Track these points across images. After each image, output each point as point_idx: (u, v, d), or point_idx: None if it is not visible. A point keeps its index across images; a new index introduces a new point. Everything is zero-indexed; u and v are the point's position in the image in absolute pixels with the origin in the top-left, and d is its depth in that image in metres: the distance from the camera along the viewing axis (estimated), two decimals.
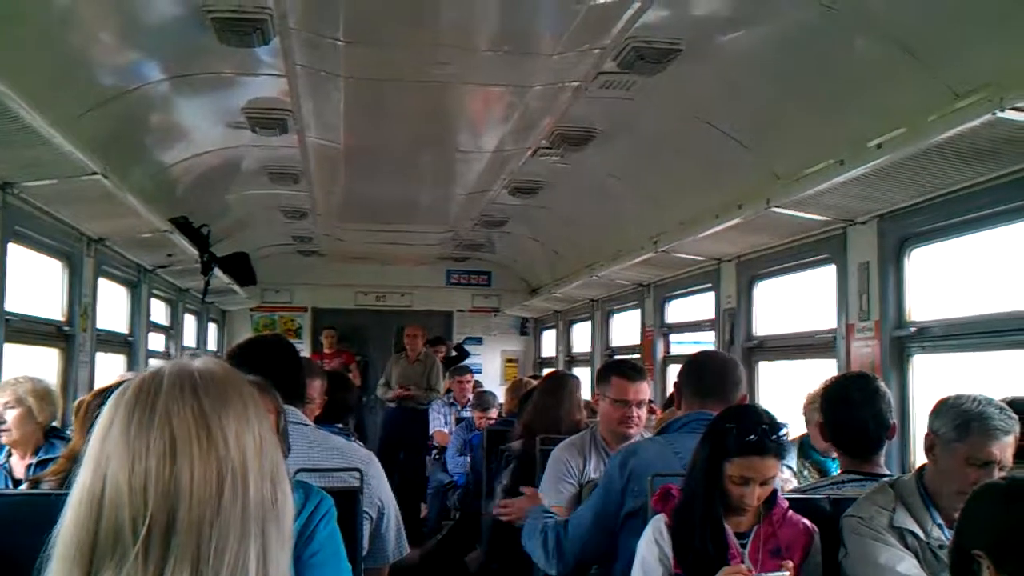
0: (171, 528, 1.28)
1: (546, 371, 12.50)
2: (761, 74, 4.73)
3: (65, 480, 3.07)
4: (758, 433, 2.84)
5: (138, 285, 8.04)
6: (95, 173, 4.83)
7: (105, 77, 4.89)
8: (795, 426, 4.43)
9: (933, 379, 4.77)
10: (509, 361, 13.88)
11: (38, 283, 6.05)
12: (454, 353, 12.05)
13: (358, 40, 4.73)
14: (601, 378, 4.55)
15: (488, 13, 4.56)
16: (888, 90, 4.11)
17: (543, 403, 5.50)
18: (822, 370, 5.47)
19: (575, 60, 4.86)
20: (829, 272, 5.45)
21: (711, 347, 7.00)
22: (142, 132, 5.91)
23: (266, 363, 2.83)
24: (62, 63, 4.43)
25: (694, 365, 3.78)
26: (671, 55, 4.67)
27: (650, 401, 4.82)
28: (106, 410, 1.39)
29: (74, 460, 3.09)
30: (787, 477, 4.38)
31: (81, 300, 6.31)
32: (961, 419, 2.93)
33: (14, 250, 5.17)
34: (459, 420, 8.87)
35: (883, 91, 4.14)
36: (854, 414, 3.46)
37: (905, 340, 4.82)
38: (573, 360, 12.00)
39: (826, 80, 4.45)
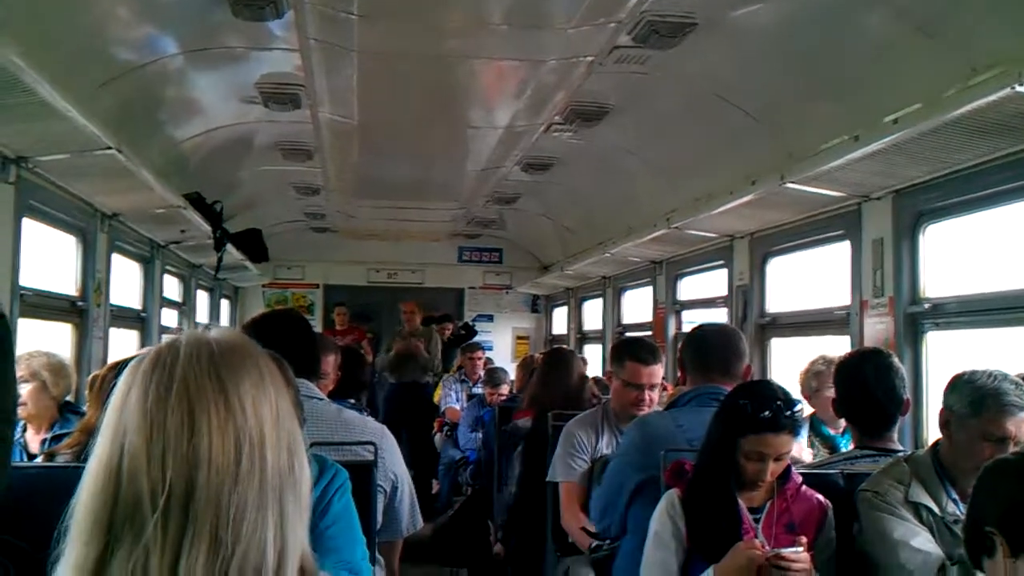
0: (189, 498, 1.28)
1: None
2: (776, 49, 4.70)
3: (81, 453, 3.09)
4: (773, 409, 2.84)
5: (151, 261, 8.06)
6: (109, 148, 4.82)
7: (120, 52, 4.88)
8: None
9: (947, 355, 4.75)
10: (520, 338, 13.88)
11: (52, 258, 6.07)
12: (462, 332, 12.05)
13: (372, 14, 4.71)
14: (615, 358, 4.55)
15: None
16: (904, 65, 4.08)
17: (546, 378, 5.58)
18: (836, 347, 5.46)
19: (589, 34, 4.83)
20: (843, 248, 5.43)
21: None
22: (156, 107, 5.91)
23: (279, 337, 2.84)
24: (77, 37, 4.43)
25: (695, 339, 3.78)
26: (686, 29, 4.64)
27: (663, 379, 4.82)
28: (122, 380, 1.38)
29: (89, 433, 3.11)
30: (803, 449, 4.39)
31: (95, 275, 6.32)
32: (976, 395, 2.93)
33: (28, 225, 5.18)
34: (471, 396, 8.89)
35: (899, 66, 4.11)
36: (868, 390, 3.45)
37: (919, 316, 4.80)
38: (584, 337, 12.01)
39: (842, 55, 4.42)
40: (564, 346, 10.00)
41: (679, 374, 3.82)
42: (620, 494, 3.55)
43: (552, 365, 5.67)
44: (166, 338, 1.47)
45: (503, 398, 7.67)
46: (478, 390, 8.75)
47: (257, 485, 1.32)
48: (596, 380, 7.42)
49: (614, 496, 3.61)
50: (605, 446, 4.47)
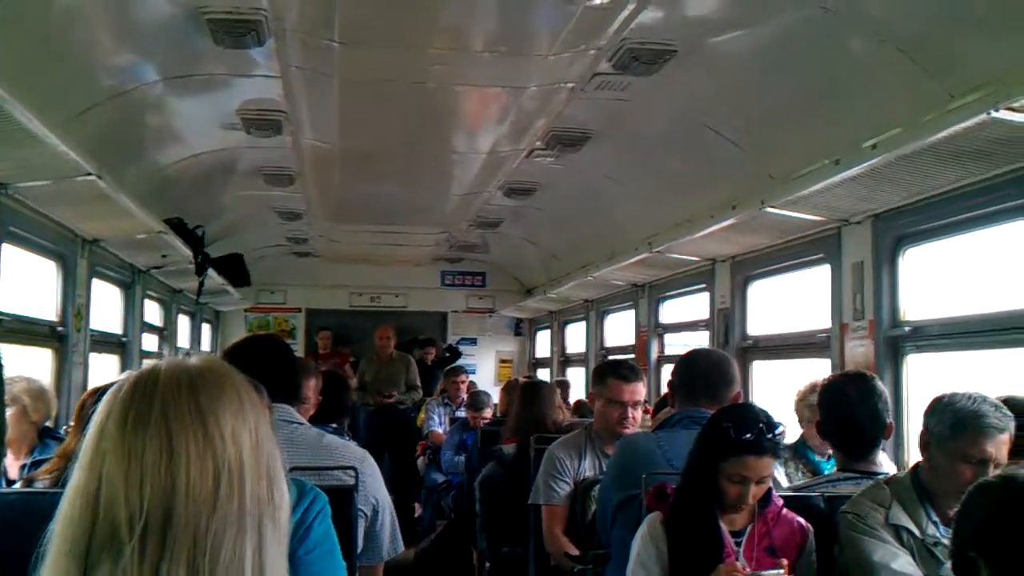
0: (167, 525, 1.28)
1: (539, 371, 12.55)
2: (756, 75, 4.74)
3: (60, 479, 3.06)
4: (754, 432, 2.84)
5: (132, 286, 8.03)
6: (90, 174, 4.81)
7: (100, 78, 4.88)
8: (790, 427, 4.44)
9: (927, 378, 4.78)
10: (503, 362, 13.88)
11: (31, 283, 6.04)
12: (446, 354, 12.04)
13: (353, 41, 4.73)
14: (597, 379, 4.56)
15: (483, 14, 4.56)
16: (883, 91, 4.12)
17: (523, 412, 5.68)
18: (816, 370, 5.49)
19: (570, 61, 4.87)
20: (823, 272, 5.46)
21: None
22: (137, 133, 5.90)
23: (259, 362, 2.83)
24: (57, 64, 4.42)
25: (686, 363, 3.76)
26: (666, 56, 4.68)
27: (644, 401, 4.82)
28: (101, 407, 1.38)
29: (68, 459, 3.09)
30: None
31: (75, 301, 6.29)
32: (956, 417, 2.94)
33: (7, 251, 5.15)
34: (454, 420, 8.87)
35: (878, 92, 4.16)
36: (851, 413, 3.47)
37: (899, 339, 4.83)
38: (568, 360, 12.01)
39: (821, 81, 4.46)
40: (537, 378, 9.95)
41: (669, 396, 3.80)
42: (607, 511, 3.56)
43: (527, 398, 5.75)
44: (146, 363, 1.47)
45: (486, 421, 7.66)
46: (461, 414, 8.73)
47: (236, 512, 1.32)
48: (579, 404, 7.45)
49: (603, 512, 3.61)
50: (588, 468, 4.47)
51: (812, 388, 4.68)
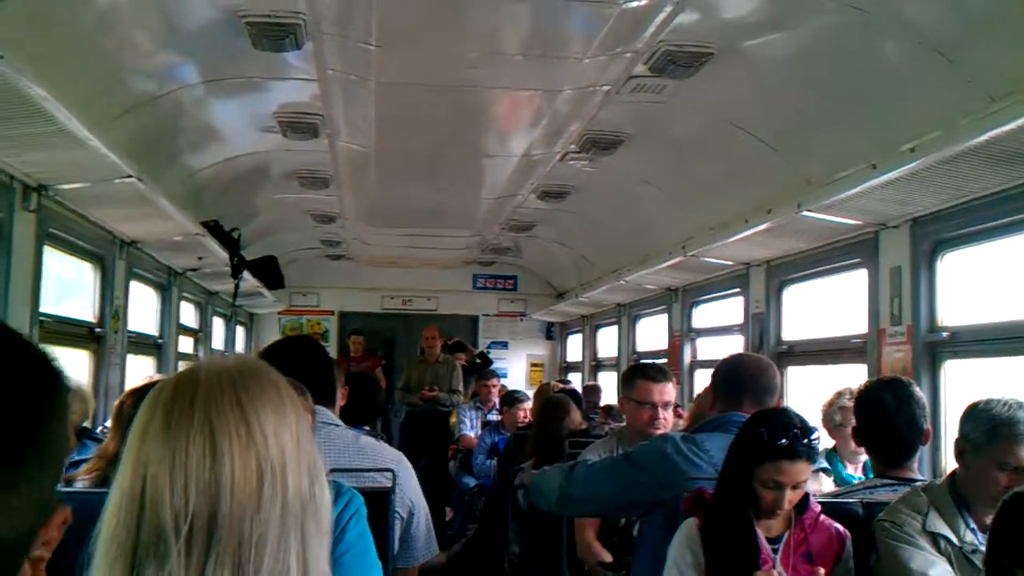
0: (212, 526, 1.28)
1: (571, 376, 12.51)
2: (792, 78, 4.72)
3: (99, 479, 3.09)
4: (789, 437, 2.83)
5: (168, 288, 8.11)
6: (129, 176, 4.87)
7: (140, 80, 4.94)
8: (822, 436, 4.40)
9: (965, 384, 4.72)
10: (535, 365, 13.88)
11: (70, 284, 6.12)
12: (477, 360, 12.04)
13: (390, 44, 4.75)
14: (626, 381, 4.54)
15: (519, 17, 4.57)
16: (921, 93, 4.08)
17: (544, 427, 5.77)
18: (853, 375, 5.44)
19: (606, 64, 4.86)
20: (860, 276, 5.42)
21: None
22: (175, 135, 5.96)
23: (297, 363, 2.84)
24: (99, 67, 4.48)
25: (732, 367, 3.69)
26: (703, 59, 4.67)
27: (676, 405, 4.81)
28: (143, 409, 1.39)
29: (107, 460, 3.12)
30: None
31: (113, 302, 6.36)
32: (990, 424, 2.91)
33: (47, 253, 5.22)
34: (485, 424, 8.87)
35: (916, 94, 4.12)
36: (888, 419, 3.43)
37: (937, 345, 4.78)
38: (599, 365, 11.99)
39: (858, 83, 4.43)
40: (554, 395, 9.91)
41: (709, 397, 3.74)
42: (631, 496, 3.49)
43: (546, 415, 5.87)
44: (183, 365, 1.48)
45: (521, 424, 7.68)
46: (493, 417, 8.73)
47: (279, 512, 1.32)
48: (607, 408, 7.44)
49: (613, 488, 3.52)
50: None
51: (840, 394, 4.65)
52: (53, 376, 1.03)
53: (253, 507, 1.30)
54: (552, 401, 6.20)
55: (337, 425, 3.20)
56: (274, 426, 1.36)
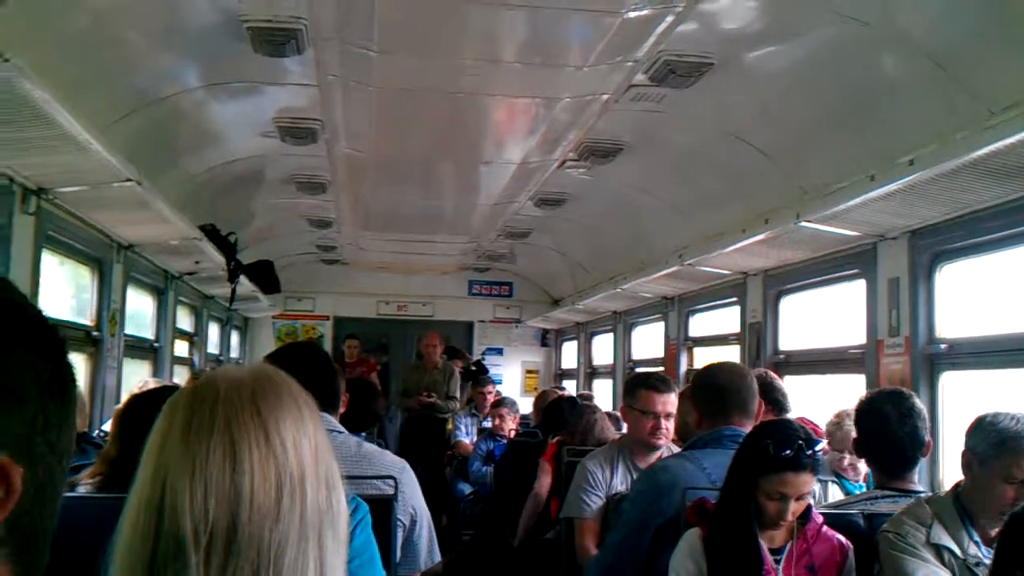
0: (232, 535, 1.28)
1: (565, 383, 12.51)
2: (792, 89, 4.73)
3: (102, 484, 3.08)
4: (793, 449, 2.84)
5: (165, 291, 8.09)
6: (129, 180, 4.85)
7: (140, 84, 4.94)
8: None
9: (963, 396, 4.74)
10: (529, 372, 13.89)
11: (66, 287, 6.10)
12: (472, 368, 12.02)
13: (390, 50, 4.76)
14: (629, 391, 4.55)
15: (519, 25, 4.57)
16: (920, 106, 4.10)
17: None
18: (850, 386, 5.46)
19: (606, 73, 4.87)
20: (858, 287, 5.43)
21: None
22: (174, 139, 5.96)
23: (302, 370, 2.83)
24: (99, 70, 4.48)
25: (709, 381, 3.69)
26: (703, 69, 4.69)
27: None
28: (162, 418, 1.38)
29: (109, 464, 3.11)
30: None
31: (110, 306, 6.35)
32: (998, 437, 2.92)
33: (46, 257, 5.20)
34: (481, 431, 8.87)
35: (915, 107, 4.14)
36: (889, 430, 3.44)
37: (935, 357, 4.79)
38: (594, 372, 11.99)
39: (857, 95, 4.45)
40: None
41: (693, 412, 3.76)
42: (639, 539, 3.52)
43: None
44: (178, 369, 1.47)
45: (512, 430, 7.69)
46: (489, 424, 8.74)
47: (298, 521, 1.32)
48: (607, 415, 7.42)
49: (632, 541, 3.57)
50: (619, 482, 4.46)
51: (840, 416, 4.66)
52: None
53: (272, 517, 1.30)
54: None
55: (340, 432, 3.20)
56: (293, 436, 1.35)
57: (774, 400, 4.43)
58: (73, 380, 0.99)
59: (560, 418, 6.25)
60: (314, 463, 1.37)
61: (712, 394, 3.62)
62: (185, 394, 1.40)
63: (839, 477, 4.61)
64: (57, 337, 0.96)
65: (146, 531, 1.29)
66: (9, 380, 0.88)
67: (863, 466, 4.40)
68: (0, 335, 0.88)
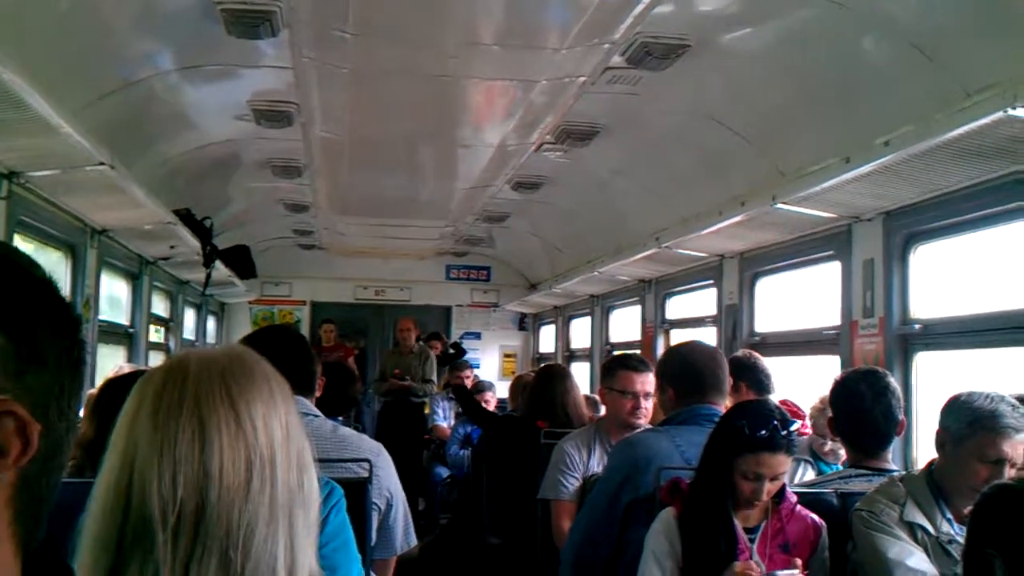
0: (200, 515, 1.27)
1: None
2: (768, 71, 4.73)
3: (76, 468, 3.06)
4: (769, 429, 2.85)
5: (139, 277, 8.03)
6: (101, 163, 4.82)
7: (113, 67, 4.88)
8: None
9: (937, 376, 4.77)
10: (507, 356, 13.91)
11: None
12: (451, 351, 12.04)
13: (366, 33, 4.72)
14: (607, 372, 4.56)
15: (496, 7, 4.56)
16: (897, 87, 4.11)
17: (537, 397, 5.61)
18: (825, 367, 5.49)
19: (582, 55, 4.86)
20: (833, 268, 5.45)
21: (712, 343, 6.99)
22: (147, 123, 5.90)
23: (278, 353, 2.81)
24: (71, 52, 4.43)
25: (683, 359, 3.72)
26: (679, 51, 4.67)
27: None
28: (131, 398, 1.37)
29: (83, 448, 3.08)
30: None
31: (84, 291, 6.30)
32: (972, 416, 2.94)
33: (17, 241, 5.15)
34: (459, 415, 8.87)
35: (892, 88, 4.15)
36: (864, 409, 3.46)
37: (909, 337, 4.82)
38: (572, 355, 12.01)
39: (834, 77, 4.46)
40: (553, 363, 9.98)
41: (664, 389, 3.76)
42: (612, 513, 3.53)
43: (542, 383, 5.70)
44: (154, 355, 1.46)
45: (488, 405, 7.71)
46: None
47: (267, 502, 1.31)
48: (588, 399, 7.43)
49: (604, 516, 3.58)
50: (596, 464, 4.47)
51: (824, 400, 4.68)
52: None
53: (241, 497, 1.29)
54: (549, 369, 6.12)
55: (316, 416, 3.19)
56: (263, 416, 1.35)
57: (757, 381, 4.46)
58: (84, 357, 1.00)
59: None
60: (285, 444, 1.36)
61: (685, 373, 3.64)
62: (157, 372, 1.39)
63: (816, 459, 4.63)
64: (74, 314, 0.99)
65: (114, 511, 1.28)
66: (34, 345, 0.91)
67: (844, 452, 4.42)
68: (29, 307, 0.92)
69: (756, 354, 4.88)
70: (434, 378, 10.37)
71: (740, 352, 5.04)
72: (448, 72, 5.35)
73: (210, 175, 7.57)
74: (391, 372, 10.30)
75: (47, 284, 0.96)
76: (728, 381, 3.70)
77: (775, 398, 4.46)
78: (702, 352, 3.78)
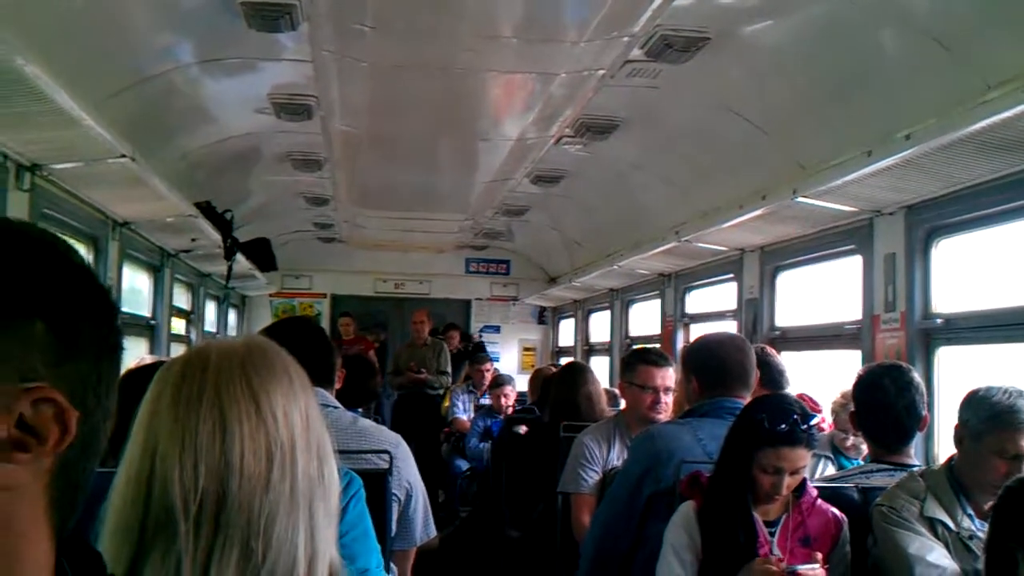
0: (221, 506, 1.28)
1: (563, 360, 12.54)
2: (788, 64, 4.71)
3: None
4: (789, 423, 2.84)
5: (161, 269, 8.07)
6: (123, 156, 4.83)
7: (134, 60, 4.90)
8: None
9: (959, 371, 4.74)
10: (527, 350, 13.91)
11: None
12: (469, 346, 12.07)
13: (385, 26, 4.74)
14: (627, 366, 4.56)
15: (515, 0, 4.55)
16: (918, 81, 4.08)
17: (561, 395, 5.59)
18: (846, 361, 5.46)
19: (602, 48, 4.85)
20: (855, 263, 5.42)
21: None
22: (168, 115, 5.92)
23: (298, 345, 2.82)
24: (92, 46, 4.44)
25: (708, 351, 3.67)
26: (699, 44, 4.65)
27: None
28: (152, 388, 1.38)
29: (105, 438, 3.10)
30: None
31: (106, 283, 6.30)
32: (991, 411, 2.92)
33: None
34: (478, 408, 8.89)
35: (913, 81, 4.12)
36: (887, 404, 3.44)
37: (931, 332, 4.78)
38: (592, 349, 12.00)
39: (854, 70, 4.42)
40: (576, 360, 10.00)
41: (689, 381, 3.73)
42: (632, 506, 3.52)
43: (564, 382, 5.68)
44: (175, 347, 1.47)
45: (509, 401, 7.72)
46: (486, 400, 8.76)
47: (288, 492, 1.32)
48: (607, 393, 7.43)
49: (625, 509, 3.57)
50: (616, 458, 4.47)
51: (845, 396, 4.65)
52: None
53: (262, 487, 1.30)
54: (572, 367, 6.10)
55: (336, 407, 3.20)
56: (284, 406, 1.35)
57: (771, 378, 4.41)
58: (122, 344, 1.00)
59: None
60: (304, 434, 1.37)
61: (710, 365, 3.60)
62: (177, 363, 1.40)
63: (836, 454, 4.62)
64: (112, 301, 0.99)
65: (136, 500, 1.29)
66: (73, 332, 0.91)
67: (866, 447, 4.40)
68: (69, 294, 0.92)
69: (771, 349, 4.84)
70: (449, 369, 10.42)
71: (753, 347, 5.01)
72: (467, 65, 5.35)
73: (230, 168, 7.60)
74: (406, 365, 10.36)
75: (86, 271, 0.96)
76: (755, 374, 3.64)
77: (791, 393, 4.43)
78: (729, 343, 3.72)
